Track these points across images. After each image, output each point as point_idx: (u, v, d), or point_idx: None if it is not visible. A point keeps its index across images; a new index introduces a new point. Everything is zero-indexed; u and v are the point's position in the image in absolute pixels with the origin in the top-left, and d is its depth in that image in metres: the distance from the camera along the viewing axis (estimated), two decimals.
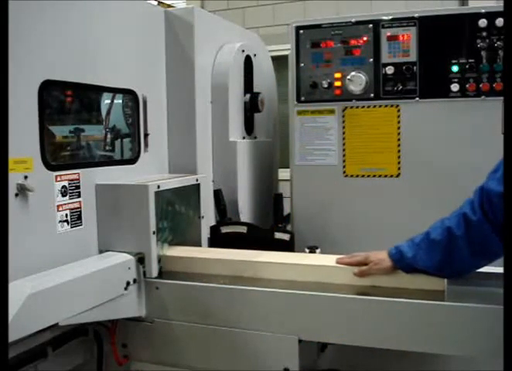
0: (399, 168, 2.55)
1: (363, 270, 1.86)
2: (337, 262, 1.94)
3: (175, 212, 2.22)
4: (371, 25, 2.54)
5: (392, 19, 2.51)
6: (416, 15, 2.47)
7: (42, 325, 1.62)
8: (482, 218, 1.66)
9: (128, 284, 1.94)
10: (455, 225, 1.71)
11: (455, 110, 2.45)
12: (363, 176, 2.60)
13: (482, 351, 1.68)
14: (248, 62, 2.86)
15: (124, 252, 2.00)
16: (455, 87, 2.43)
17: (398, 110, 2.53)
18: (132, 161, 2.28)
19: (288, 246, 2.43)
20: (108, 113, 2.34)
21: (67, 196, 1.89)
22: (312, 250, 2.27)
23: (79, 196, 1.95)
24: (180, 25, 2.44)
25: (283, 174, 3.16)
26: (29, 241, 1.73)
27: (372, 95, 2.56)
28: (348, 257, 1.94)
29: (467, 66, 2.41)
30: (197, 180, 2.33)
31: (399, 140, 2.54)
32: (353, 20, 2.57)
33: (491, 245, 1.67)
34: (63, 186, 1.88)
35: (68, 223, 1.90)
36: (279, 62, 3.61)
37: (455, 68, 2.43)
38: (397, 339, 1.75)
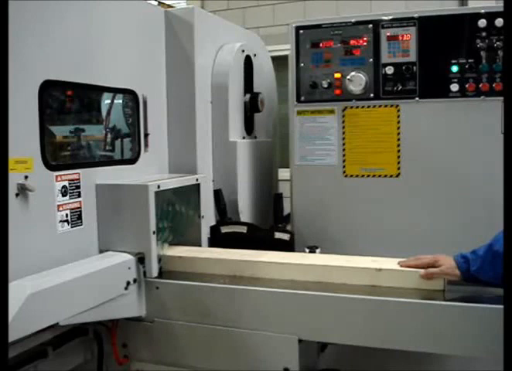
0: (399, 168, 2.55)
1: (432, 273, 1.80)
2: (401, 265, 1.87)
3: (175, 212, 2.22)
4: (371, 25, 2.54)
5: (392, 19, 2.51)
6: (416, 15, 2.47)
7: (42, 325, 1.62)
8: None
9: (128, 283, 1.94)
10: None
11: (454, 110, 2.45)
12: (362, 176, 2.60)
13: (483, 351, 1.68)
14: (248, 62, 2.86)
15: (125, 252, 2.00)
16: (454, 87, 2.43)
17: (398, 110, 2.53)
18: (132, 161, 2.28)
19: (288, 246, 2.43)
20: (108, 113, 2.33)
21: (67, 196, 1.89)
22: (312, 250, 2.28)
23: (79, 196, 1.95)
24: (180, 25, 2.45)
25: (283, 174, 3.16)
26: (28, 241, 1.73)
27: (372, 95, 2.56)
28: (413, 260, 1.87)
29: (467, 66, 2.41)
30: (197, 180, 2.33)
31: (399, 140, 2.54)
32: (353, 20, 2.57)
33: None
34: (64, 186, 1.88)
35: (68, 223, 1.90)
36: (279, 62, 3.61)
37: (454, 68, 2.43)
38: (397, 339, 1.75)
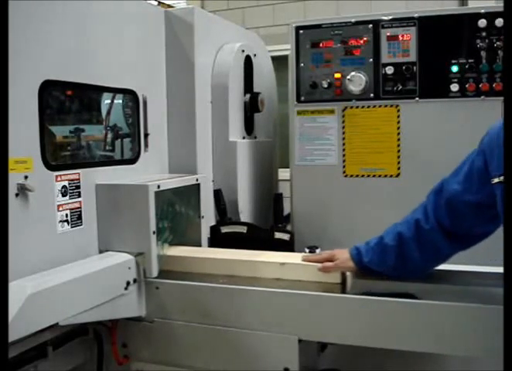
0: (399, 168, 2.55)
1: (327, 267, 1.88)
2: (303, 259, 1.97)
3: (175, 212, 2.22)
4: (371, 25, 2.54)
5: (392, 19, 2.52)
6: (416, 15, 2.47)
7: (42, 325, 1.62)
8: (435, 226, 1.71)
9: (128, 283, 1.94)
10: (407, 231, 1.76)
11: (454, 110, 2.45)
12: (362, 176, 2.60)
13: (482, 351, 1.68)
14: (248, 63, 2.86)
15: (124, 252, 2.00)
16: (454, 87, 2.43)
17: (398, 110, 2.53)
18: (132, 161, 2.28)
19: (288, 246, 2.43)
20: (108, 113, 2.34)
21: (67, 196, 1.89)
22: (312, 250, 2.27)
23: (79, 196, 1.95)
24: (180, 25, 2.45)
25: (283, 174, 3.16)
26: (28, 241, 1.73)
27: (372, 95, 2.56)
28: (314, 255, 1.99)
29: (467, 66, 2.41)
30: (197, 180, 2.33)
31: (399, 140, 2.54)
32: (353, 20, 2.57)
33: (441, 249, 1.74)
34: (63, 186, 1.88)
35: (68, 223, 1.90)
36: (279, 62, 3.61)
37: (454, 68, 2.43)
38: (397, 339, 1.75)
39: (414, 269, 1.81)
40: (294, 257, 2.03)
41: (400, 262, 1.78)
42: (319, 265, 1.90)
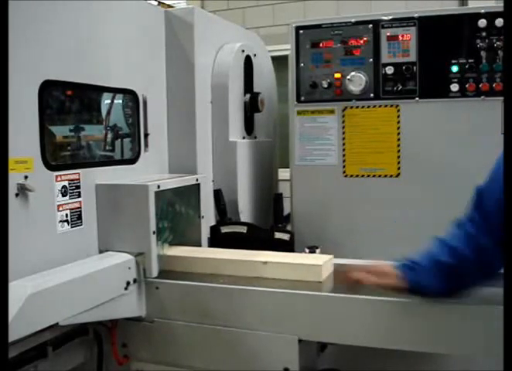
0: (399, 168, 2.55)
1: (374, 281, 1.65)
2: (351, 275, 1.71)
3: (175, 212, 2.22)
4: (371, 25, 2.54)
5: (392, 19, 2.51)
6: (416, 15, 2.47)
7: (42, 325, 1.63)
8: (491, 240, 1.51)
9: (128, 283, 1.94)
10: (463, 246, 1.55)
11: (454, 110, 2.45)
12: (362, 176, 2.60)
13: (482, 351, 1.68)
14: (248, 63, 2.86)
15: (124, 252, 2.00)
16: (454, 87, 2.43)
17: (398, 110, 2.53)
18: (132, 161, 2.28)
19: (288, 246, 2.43)
20: (108, 113, 2.34)
21: (67, 196, 1.89)
22: (312, 250, 2.28)
23: (79, 196, 1.95)
24: (180, 25, 2.45)
25: (283, 174, 3.16)
26: (29, 241, 1.73)
27: (372, 95, 2.56)
28: (361, 271, 1.69)
29: (467, 66, 2.41)
30: (197, 180, 2.33)
31: (399, 140, 2.54)
32: (353, 20, 2.57)
33: (497, 265, 1.53)
34: (64, 186, 1.88)
35: (68, 223, 1.90)
36: (279, 62, 3.61)
37: (454, 68, 2.43)
38: (397, 339, 1.75)
39: (466, 288, 1.61)
40: (288, 257, 2.02)
41: (457, 282, 1.58)
42: (374, 279, 1.65)
